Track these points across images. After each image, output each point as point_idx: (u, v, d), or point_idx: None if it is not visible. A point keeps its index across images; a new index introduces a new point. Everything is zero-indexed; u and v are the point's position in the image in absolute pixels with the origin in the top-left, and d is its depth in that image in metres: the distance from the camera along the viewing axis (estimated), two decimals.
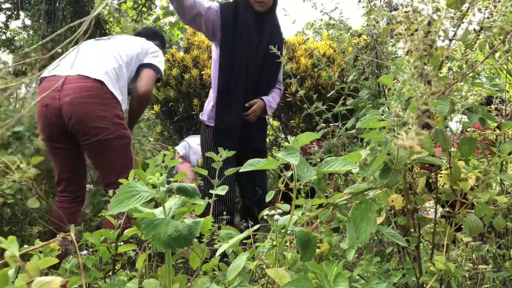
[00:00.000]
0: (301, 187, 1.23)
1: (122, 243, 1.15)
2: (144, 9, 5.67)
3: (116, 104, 2.02)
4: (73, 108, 1.91)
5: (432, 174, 1.04)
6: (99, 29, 4.77)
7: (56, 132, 2.00)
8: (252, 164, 0.81)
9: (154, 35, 2.55)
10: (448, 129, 1.01)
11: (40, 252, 0.85)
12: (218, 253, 0.90)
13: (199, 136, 2.47)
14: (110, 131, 1.96)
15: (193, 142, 3.16)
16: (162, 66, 2.27)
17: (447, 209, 1.03)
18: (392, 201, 1.02)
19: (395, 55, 1.84)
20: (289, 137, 0.87)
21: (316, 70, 3.65)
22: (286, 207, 1.18)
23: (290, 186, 0.82)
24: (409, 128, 0.48)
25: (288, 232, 0.86)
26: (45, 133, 2.03)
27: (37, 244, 0.83)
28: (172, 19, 6.26)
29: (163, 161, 1.07)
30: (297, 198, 0.88)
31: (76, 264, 0.97)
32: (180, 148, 3.17)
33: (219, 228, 1.15)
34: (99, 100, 1.95)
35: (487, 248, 1.33)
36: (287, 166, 0.81)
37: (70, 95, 1.92)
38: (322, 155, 1.77)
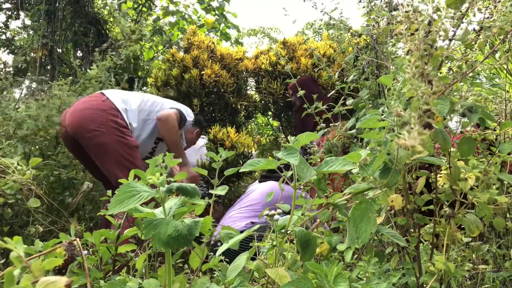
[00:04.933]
0: (301, 187, 1.23)
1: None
2: (144, 9, 5.68)
3: (115, 112, 2.13)
4: (71, 116, 2.10)
5: (432, 174, 1.04)
6: (99, 29, 4.77)
7: (70, 144, 2.21)
8: (252, 164, 0.81)
9: (196, 124, 2.73)
10: (447, 129, 1.01)
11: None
12: (218, 253, 0.90)
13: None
14: (107, 135, 2.05)
15: None
16: (189, 115, 2.46)
17: (447, 209, 1.03)
18: (392, 201, 1.01)
19: (395, 55, 1.84)
20: (289, 137, 0.87)
21: (316, 70, 3.65)
22: (286, 207, 1.18)
23: (290, 186, 0.82)
24: (411, 128, 0.48)
25: (288, 232, 0.86)
26: (67, 147, 2.30)
27: (37, 244, 0.83)
28: (172, 19, 6.26)
29: (163, 161, 1.07)
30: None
31: (77, 264, 0.97)
32: None
33: None
34: (95, 106, 2.11)
35: (487, 248, 1.33)
36: (287, 166, 0.81)
37: (72, 108, 2.15)
38: (322, 155, 1.77)
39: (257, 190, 2.43)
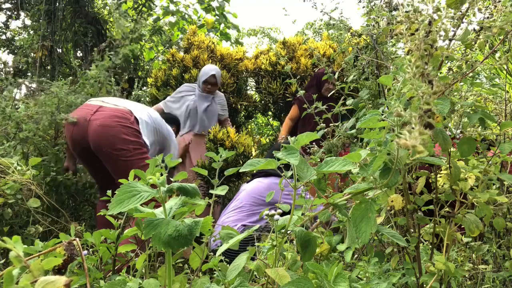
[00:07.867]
0: (301, 186, 1.23)
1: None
2: (144, 9, 5.68)
3: (138, 134, 2.20)
4: (101, 130, 2.10)
5: (432, 174, 1.04)
6: (99, 29, 4.77)
7: (80, 148, 2.22)
8: (252, 164, 0.81)
9: (173, 121, 2.94)
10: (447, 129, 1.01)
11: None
12: (218, 253, 0.90)
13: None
14: (132, 153, 2.13)
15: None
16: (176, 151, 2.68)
17: (447, 209, 1.03)
18: (392, 201, 1.01)
19: (395, 55, 1.84)
20: (289, 137, 0.87)
21: (316, 70, 3.64)
22: (286, 207, 1.18)
23: (291, 186, 0.82)
24: (412, 128, 0.48)
25: (288, 232, 0.86)
26: (72, 148, 2.31)
27: (37, 245, 0.83)
28: (172, 19, 6.25)
29: (162, 161, 1.07)
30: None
31: (77, 264, 0.97)
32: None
33: None
34: (124, 124, 2.14)
35: (487, 248, 1.33)
36: (287, 166, 0.81)
37: (100, 119, 2.14)
38: (322, 155, 1.77)
39: (244, 191, 2.43)
